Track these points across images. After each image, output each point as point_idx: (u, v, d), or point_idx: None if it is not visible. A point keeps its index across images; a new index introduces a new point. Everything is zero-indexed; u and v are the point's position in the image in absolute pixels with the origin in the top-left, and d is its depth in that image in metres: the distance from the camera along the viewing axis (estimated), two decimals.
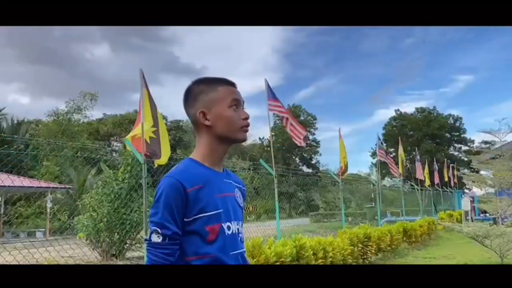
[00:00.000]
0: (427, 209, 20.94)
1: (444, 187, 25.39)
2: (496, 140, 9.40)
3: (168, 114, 43.49)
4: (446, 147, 51.77)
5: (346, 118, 73.63)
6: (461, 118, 52.91)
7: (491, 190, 10.61)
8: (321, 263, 6.16)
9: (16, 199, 21.17)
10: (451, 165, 28.14)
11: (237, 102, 1.47)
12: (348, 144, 11.73)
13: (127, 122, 39.24)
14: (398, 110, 53.94)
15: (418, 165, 19.01)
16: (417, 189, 18.54)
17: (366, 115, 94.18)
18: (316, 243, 6.34)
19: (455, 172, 26.98)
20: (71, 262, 7.92)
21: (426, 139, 49.78)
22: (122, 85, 65.49)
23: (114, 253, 9.78)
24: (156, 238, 1.31)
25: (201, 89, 1.47)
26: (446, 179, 25.40)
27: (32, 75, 54.46)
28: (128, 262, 9.18)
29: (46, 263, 6.58)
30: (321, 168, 50.02)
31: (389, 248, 9.78)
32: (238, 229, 1.45)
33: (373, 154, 46.55)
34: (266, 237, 5.97)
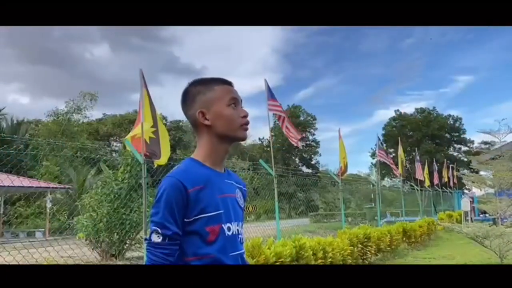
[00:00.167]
0: (426, 210, 20.96)
1: (443, 187, 25.41)
2: (496, 140, 9.43)
3: (168, 114, 43.55)
4: (446, 148, 51.80)
5: (345, 119, 73.69)
6: (460, 118, 53.03)
7: (491, 190, 10.62)
8: (321, 264, 6.16)
9: (15, 199, 21.16)
10: (450, 165, 28.15)
11: (235, 101, 1.47)
12: (347, 145, 11.74)
13: (127, 122, 39.25)
14: (398, 110, 54.06)
15: (417, 165, 19.02)
16: (417, 190, 18.55)
17: (366, 115, 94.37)
18: (315, 244, 6.34)
19: (455, 173, 26.98)
20: (70, 262, 7.92)
21: (426, 140, 49.82)
22: (122, 85, 65.56)
23: (114, 253, 9.78)
24: (156, 238, 1.30)
25: (198, 90, 1.47)
26: (446, 179, 25.40)
27: (32, 75, 54.54)
28: (127, 262, 9.18)
29: (45, 263, 6.57)
30: (320, 169, 50.00)
31: (388, 248, 9.78)
32: (238, 230, 1.45)
33: (373, 155, 46.59)
34: (265, 237, 5.97)
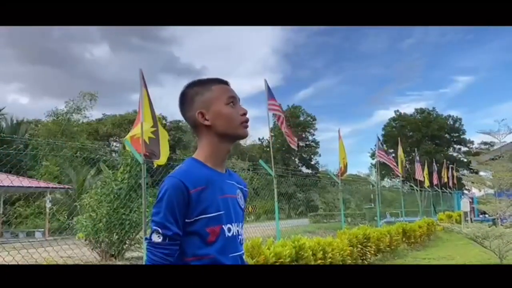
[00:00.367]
0: (426, 210, 20.95)
1: (443, 188, 25.41)
2: (496, 141, 9.43)
3: (168, 115, 43.48)
4: (446, 148, 51.84)
5: (345, 119, 73.67)
6: (460, 119, 53.09)
7: (491, 191, 10.60)
8: (320, 264, 6.16)
9: (15, 199, 21.12)
10: (450, 166, 28.14)
11: (234, 99, 1.47)
12: (347, 145, 11.73)
13: (127, 122, 39.18)
14: (398, 111, 54.11)
15: (417, 166, 19.00)
16: (416, 190, 18.55)
17: (366, 115, 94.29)
18: (315, 244, 6.34)
19: (455, 173, 26.98)
20: (70, 262, 7.91)
21: (426, 140, 49.86)
22: (122, 85, 65.50)
23: (113, 253, 9.77)
24: (156, 238, 1.31)
25: (195, 91, 1.48)
26: (446, 180, 25.40)
27: (32, 75, 54.52)
28: (127, 263, 9.17)
29: (45, 263, 6.56)
30: (320, 169, 49.98)
31: (388, 249, 9.78)
32: (238, 231, 1.45)
33: (373, 155, 46.58)
34: (265, 237, 5.97)
